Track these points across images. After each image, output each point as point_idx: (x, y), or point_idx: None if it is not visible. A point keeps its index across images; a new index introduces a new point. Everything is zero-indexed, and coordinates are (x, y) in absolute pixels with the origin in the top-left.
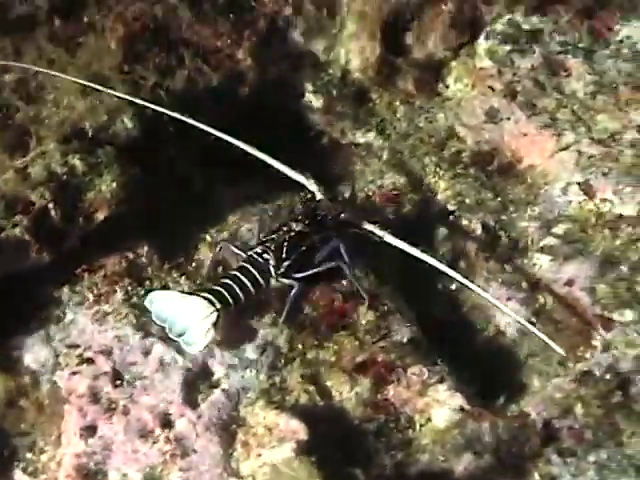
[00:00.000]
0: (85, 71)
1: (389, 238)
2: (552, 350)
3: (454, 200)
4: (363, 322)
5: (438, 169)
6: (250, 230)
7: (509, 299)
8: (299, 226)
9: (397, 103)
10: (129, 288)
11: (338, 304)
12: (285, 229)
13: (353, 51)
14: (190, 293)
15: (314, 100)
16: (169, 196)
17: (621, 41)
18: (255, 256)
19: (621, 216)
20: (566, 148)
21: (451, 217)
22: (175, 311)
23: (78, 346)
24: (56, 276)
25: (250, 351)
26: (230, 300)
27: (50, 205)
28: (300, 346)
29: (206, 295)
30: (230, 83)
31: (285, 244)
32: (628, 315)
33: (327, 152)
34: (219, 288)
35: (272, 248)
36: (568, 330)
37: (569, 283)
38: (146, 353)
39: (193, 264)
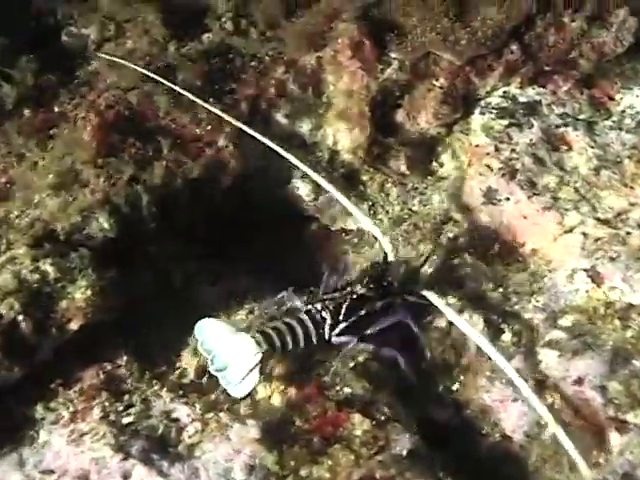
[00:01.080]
0: (57, 166)
1: (454, 317)
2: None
3: (454, 292)
4: (359, 432)
5: (434, 258)
6: None
7: (514, 400)
8: (363, 289)
9: (389, 185)
10: (107, 404)
11: (331, 414)
12: (348, 289)
13: (341, 131)
14: (241, 329)
15: (301, 186)
16: (148, 297)
17: (623, 111)
18: (314, 311)
19: (631, 305)
20: (570, 230)
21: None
22: (221, 344)
23: (53, 472)
24: (28, 392)
25: (238, 470)
26: (278, 345)
27: (20, 317)
28: (292, 462)
29: (255, 335)
30: (211, 173)
31: (345, 305)
32: None
33: (317, 240)
34: (270, 331)
35: (331, 308)
36: (579, 433)
37: (579, 381)
38: (126, 477)
39: (176, 372)
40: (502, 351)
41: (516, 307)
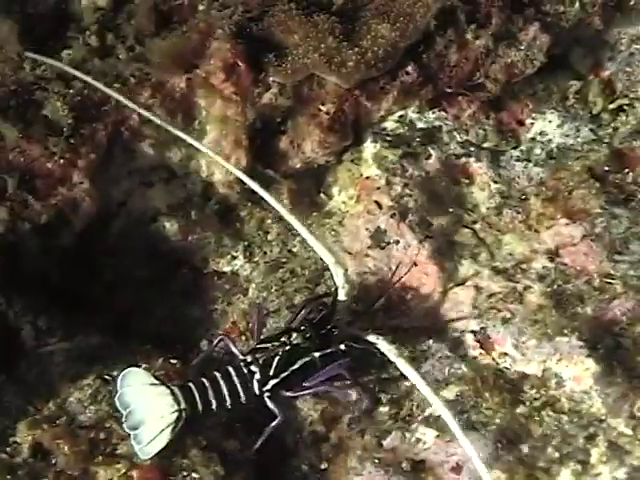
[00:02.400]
0: None
1: (405, 368)
2: None
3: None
4: None
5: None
6: (80, 401)
7: None
8: (298, 338)
9: (269, 221)
10: None
11: None
12: (283, 340)
13: (215, 162)
14: (162, 382)
15: (168, 224)
16: None
17: (533, 138)
18: (242, 364)
19: (525, 375)
20: (462, 283)
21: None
22: (139, 398)
23: None
24: None
25: None
26: (199, 404)
27: None
28: None
29: (175, 389)
30: (62, 215)
31: (277, 358)
32: None
33: (185, 287)
34: (192, 386)
35: (261, 361)
36: None
37: (457, 469)
38: None
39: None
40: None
41: (395, 373)
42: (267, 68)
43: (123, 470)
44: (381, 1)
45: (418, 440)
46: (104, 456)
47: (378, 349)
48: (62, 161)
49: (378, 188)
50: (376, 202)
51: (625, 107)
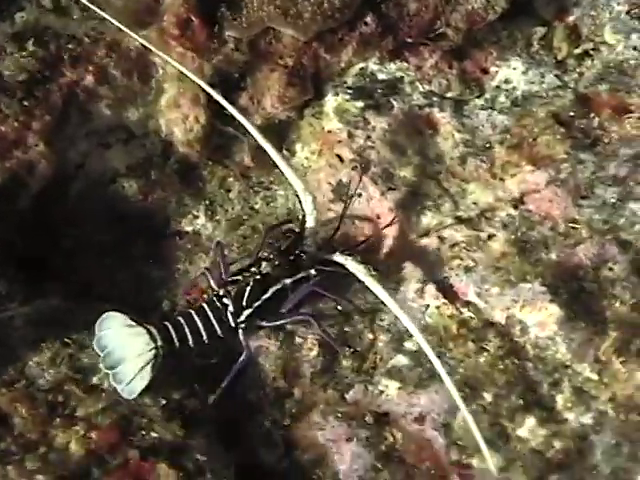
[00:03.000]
0: None
1: (375, 287)
2: None
3: None
4: None
5: None
6: (40, 364)
7: (348, 440)
8: (267, 268)
9: (231, 179)
10: None
11: (134, 462)
12: (252, 270)
13: (174, 121)
14: (139, 323)
15: (127, 185)
16: None
17: (498, 86)
18: (215, 299)
19: (489, 324)
20: (425, 234)
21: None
22: (116, 339)
23: None
24: None
25: None
26: (176, 341)
27: None
28: None
29: (151, 328)
30: (17, 179)
31: (248, 288)
32: None
33: (146, 249)
34: (168, 324)
35: (233, 293)
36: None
37: (420, 419)
38: None
39: None
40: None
41: (359, 326)
42: (222, 22)
43: (82, 432)
44: None
45: (381, 392)
46: (62, 418)
47: (347, 270)
48: (16, 124)
49: (340, 141)
50: (338, 156)
51: (591, 52)
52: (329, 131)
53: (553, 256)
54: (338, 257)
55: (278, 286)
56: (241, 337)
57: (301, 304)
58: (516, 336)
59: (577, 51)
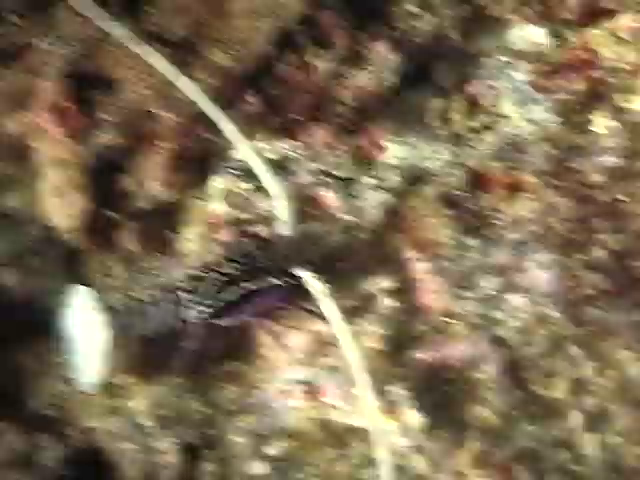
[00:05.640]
0: None
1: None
2: None
3: (149, 413)
4: None
5: None
6: None
7: None
8: (228, 268)
9: (121, 268)
10: None
11: None
12: (213, 267)
13: (55, 206)
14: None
15: (7, 275)
16: None
17: (389, 164)
18: (169, 289)
19: (351, 429)
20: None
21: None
22: (76, 322)
23: None
24: None
25: None
26: (131, 330)
27: None
28: None
29: (107, 313)
30: None
31: (210, 286)
32: None
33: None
34: (124, 310)
35: (188, 287)
36: None
37: None
38: None
39: None
40: None
41: (226, 426)
42: (99, 107)
43: None
44: (217, 28)
45: None
46: None
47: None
48: None
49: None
50: (220, 241)
51: (489, 124)
52: (217, 215)
53: (424, 356)
54: (300, 272)
55: (240, 290)
56: (194, 332)
57: (255, 311)
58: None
59: (474, 124)
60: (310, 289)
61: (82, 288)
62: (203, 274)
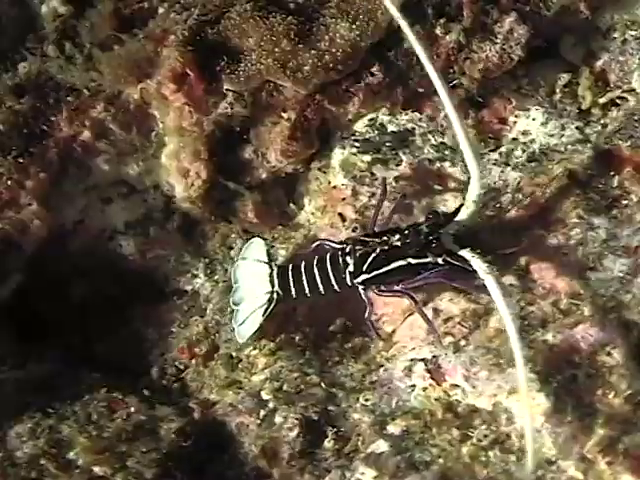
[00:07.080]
0: None
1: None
2: None
3: (269, 385)
4: None
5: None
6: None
7: None
8: (399, 241)
9: (234, 236)
10: None
11: None
12: (384, 238)
13: (175, 175)
14: (270, 260)
15: (125, 242)
16: None
17: (515, 139)
18: (338, 255)
19: (474, 410)
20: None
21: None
22: (246, 274)
23: None
24: None
25: None
26: (292, 290)
27: None
28: None
29: (274, 271)
30: (9, 240)
31: (373, 255)
32: None
33: (145, 309)
34: (289, 270)
35: (357, 254)
36: None
37: None
38: None
39: None
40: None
41: (343, 405)
42: (220, 76)
43: None
44: None
45: None
46: None
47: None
48: (9, 182)
49: (344, 199)
50: (340, 215)
51: (617, 100)
52: (334, 187)
53: (549, 337)
54: (466, 253)
55: (402, 262)
56: (362, 294)
57: (418, 287)
58: (502, 425)
59: (602, 100)
60: (475, 267)
61: (256, 240)
62: (372, 242)
